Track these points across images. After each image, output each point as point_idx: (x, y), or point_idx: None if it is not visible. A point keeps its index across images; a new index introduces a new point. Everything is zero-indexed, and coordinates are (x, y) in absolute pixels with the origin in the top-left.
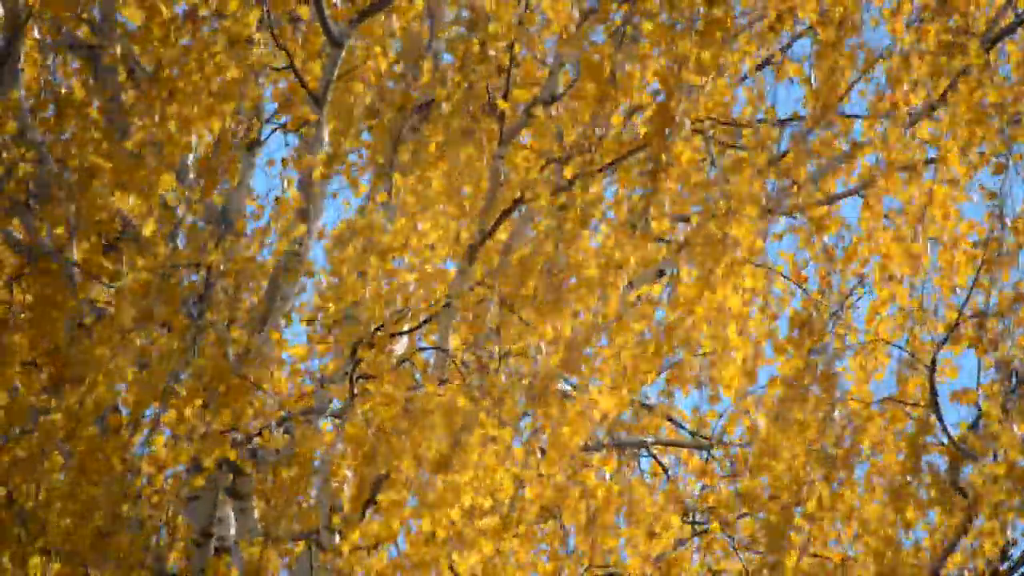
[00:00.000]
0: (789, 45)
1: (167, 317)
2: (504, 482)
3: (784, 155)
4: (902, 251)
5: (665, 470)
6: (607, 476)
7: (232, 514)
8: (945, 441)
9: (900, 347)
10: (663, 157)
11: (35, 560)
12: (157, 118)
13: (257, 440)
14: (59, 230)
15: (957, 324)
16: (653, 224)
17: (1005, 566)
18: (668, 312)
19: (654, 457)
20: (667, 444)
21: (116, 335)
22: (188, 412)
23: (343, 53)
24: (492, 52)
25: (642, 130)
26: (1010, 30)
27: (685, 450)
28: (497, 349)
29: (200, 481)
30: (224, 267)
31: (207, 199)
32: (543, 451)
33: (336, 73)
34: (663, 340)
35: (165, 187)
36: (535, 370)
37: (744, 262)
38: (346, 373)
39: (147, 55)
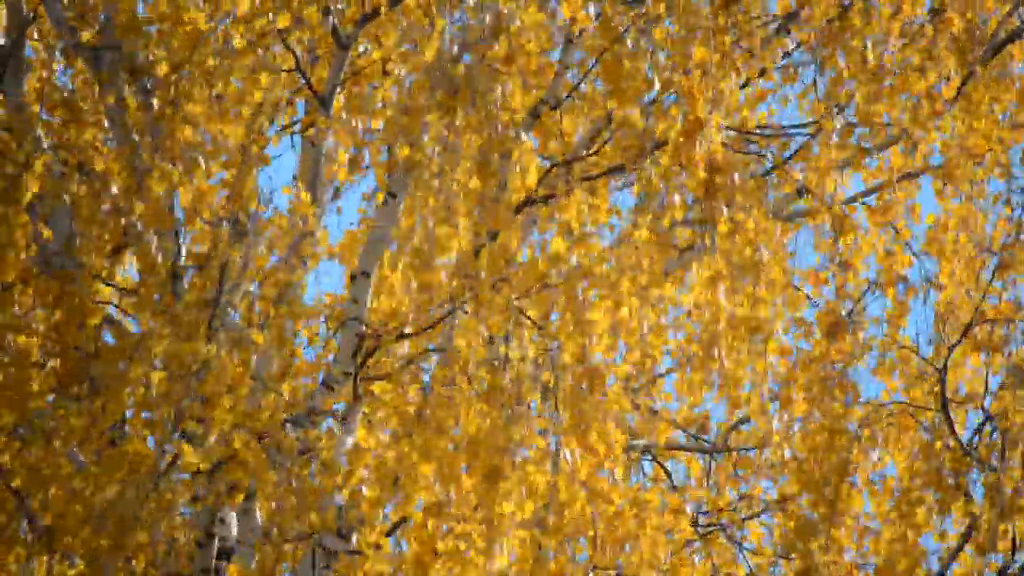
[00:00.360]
0: (796, 48)
1: (191, 323)
2: (539, 487)
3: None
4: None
5: (668, 475)
6: (619, 480)
7: (235, 515)
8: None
9: (915, 351)
10: (696, 159)
11: (43, 560)
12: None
13: (267, 440)
14: (65, 233)
15: (970, 327)
16: (706, 237)
17: (1015, 566)
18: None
19: (657, 462)
20: (672, 448)
21: (134, 339)
22: (206, 414)
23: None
24: (525, 47)
25: (657, 129)
26: (1017, 35)
27: (689, 455)
28: (510, 354)
29: (239, 498)
30: (241, 268)
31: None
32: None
33: (342, 76)
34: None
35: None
36: (556, 374)
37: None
38: (349, 373)
39: (162, 57)
